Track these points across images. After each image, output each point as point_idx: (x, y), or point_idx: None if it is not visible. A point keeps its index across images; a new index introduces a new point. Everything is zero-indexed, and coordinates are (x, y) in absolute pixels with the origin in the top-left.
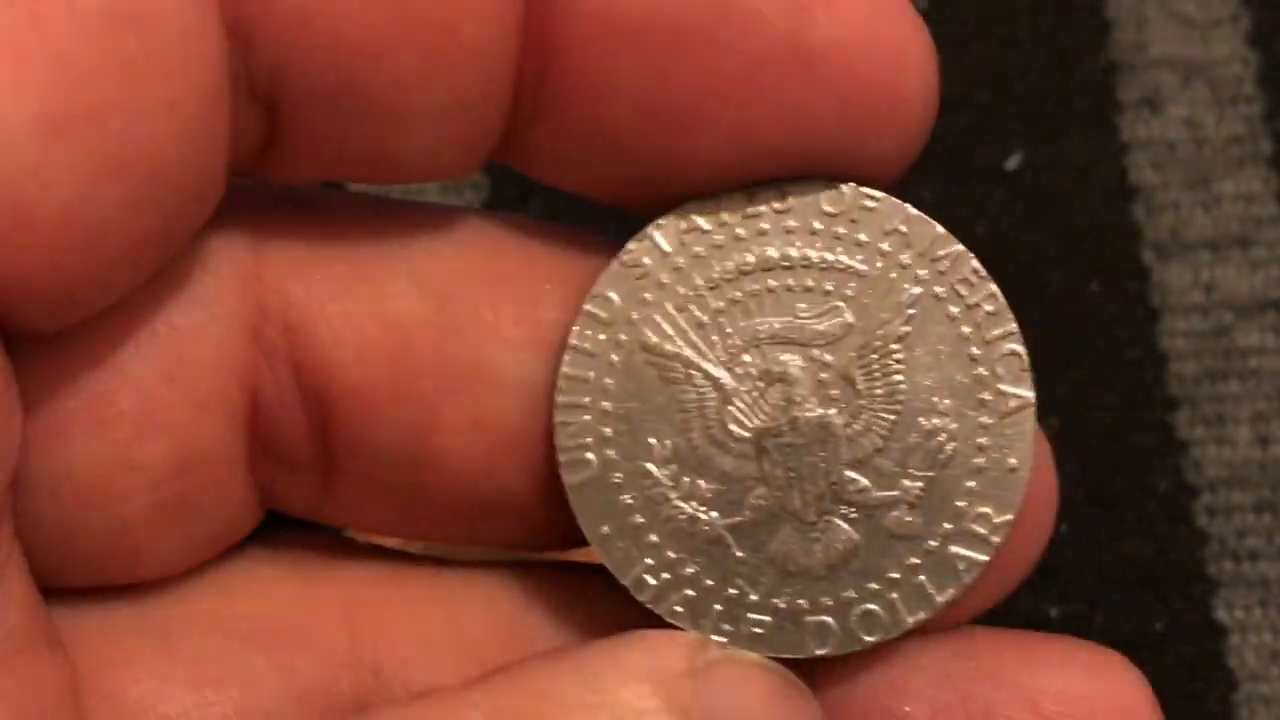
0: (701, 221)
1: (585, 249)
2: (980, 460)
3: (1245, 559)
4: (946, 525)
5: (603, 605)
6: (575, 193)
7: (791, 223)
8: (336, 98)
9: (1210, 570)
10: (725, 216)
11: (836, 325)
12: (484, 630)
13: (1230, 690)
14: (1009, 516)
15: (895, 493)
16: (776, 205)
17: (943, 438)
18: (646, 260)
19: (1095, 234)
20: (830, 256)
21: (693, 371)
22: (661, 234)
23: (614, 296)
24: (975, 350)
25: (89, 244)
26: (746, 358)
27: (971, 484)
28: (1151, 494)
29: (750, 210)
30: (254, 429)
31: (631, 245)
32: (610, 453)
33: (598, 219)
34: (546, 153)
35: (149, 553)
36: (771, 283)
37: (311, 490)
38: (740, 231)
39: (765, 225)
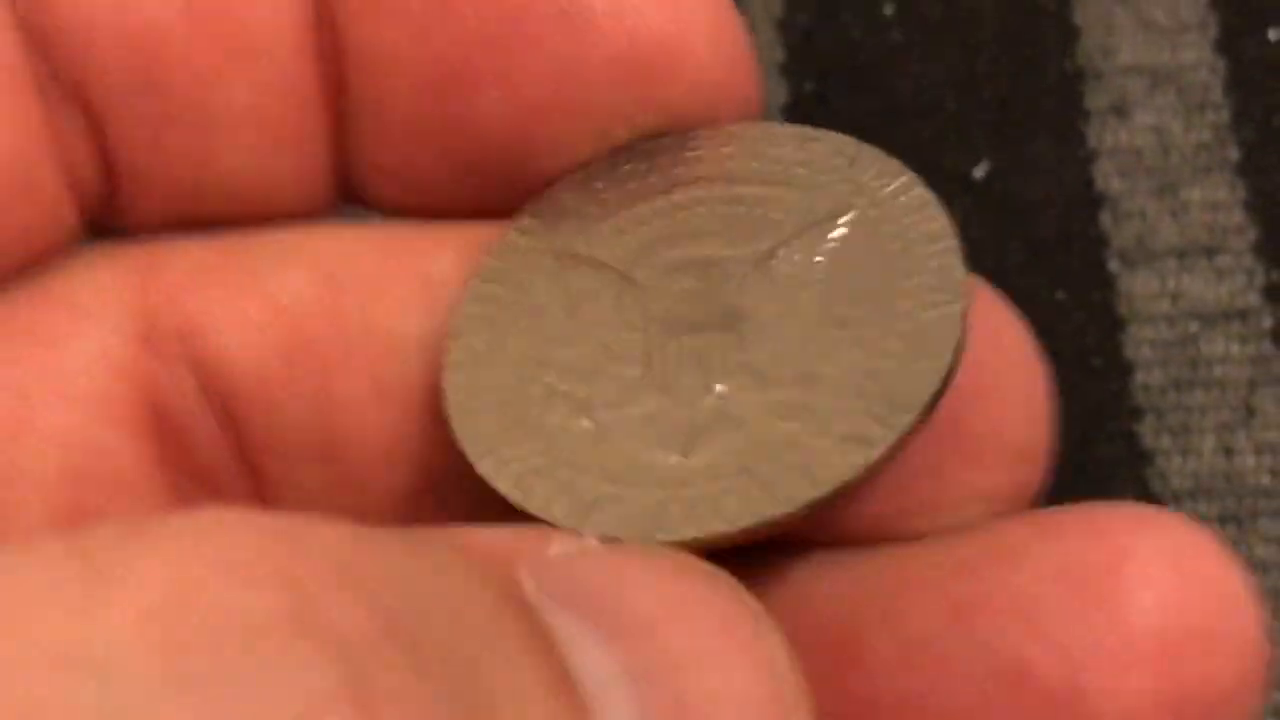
0: (601, 177)
1: (484, 225)
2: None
3: None
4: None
5: None
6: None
7: (695, 154)
8: (144, 96)
9: None
10: (627, 168)
11: (765, 228)
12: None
13: None
14: (915, 404)
15: (787, 370)
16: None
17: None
18: (559, 205)
19: (1062, 242)
20: (761, 180)
21: (598, 270)
22: (563, 188)
23: (531, 222)
24: (903, 256)
25: None
26: (663, 255)
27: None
28: None
29: (647, 161)
30: (163, 440)
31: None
32: (502, 341)
33: None
34: (370, 156)
35: None
36: (699, 205)
37: (241, 496)
38: (650, 173)
39: (677, 166)
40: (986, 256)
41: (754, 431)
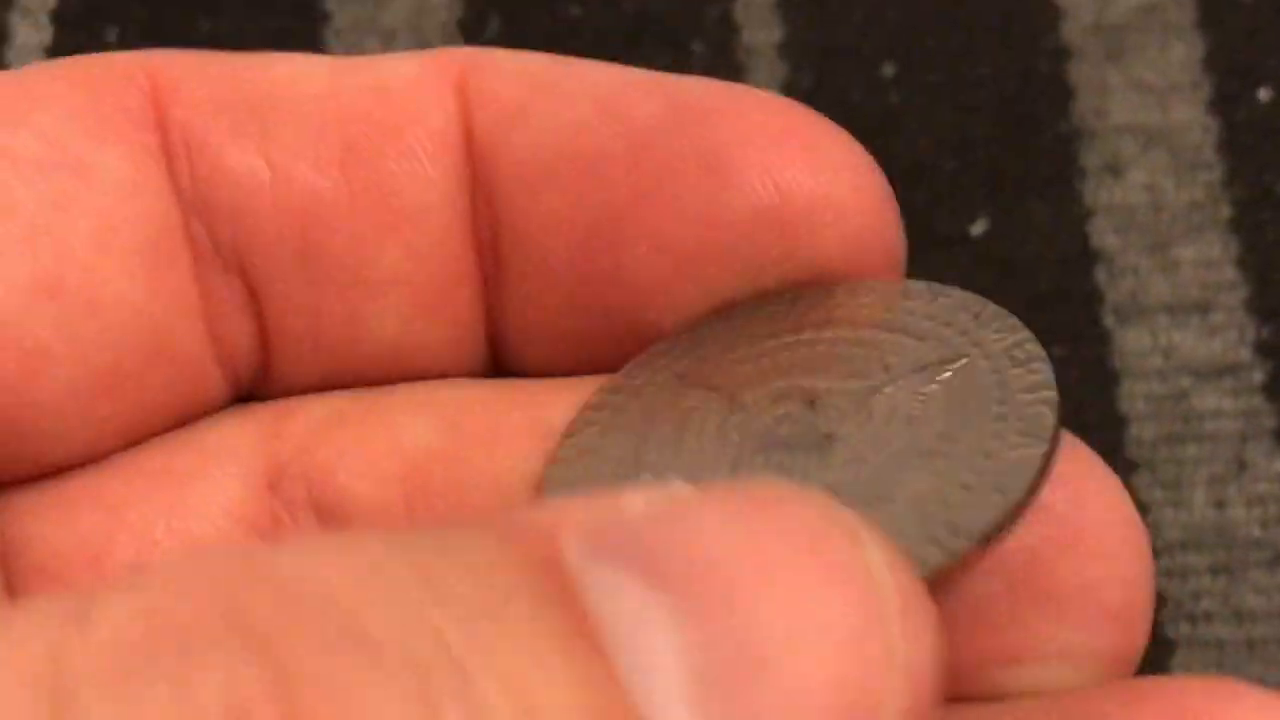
0: (742, 316)
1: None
2: (956, 494)
3: (1201, 621)
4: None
5: None
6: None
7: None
8: (300, 263)
9: (1168, 631)
10: (769, 309)
11: (877, 368)
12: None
13: None
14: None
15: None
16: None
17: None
18: (695, 335)
19: (1058, 298)
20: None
21: (711, 392)
22: (704, 321)
23: (664, 345)
24: (1000, 403)
25: (31, 365)
26: (774, 383)
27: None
28: None
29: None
30: None
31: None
32: (604, 460)
33: None
34: (519, 316)
35: (80, 441)
36: (820, 344)
37: None
38: (788, 316)
39: (813, 311)
40: None
41: None
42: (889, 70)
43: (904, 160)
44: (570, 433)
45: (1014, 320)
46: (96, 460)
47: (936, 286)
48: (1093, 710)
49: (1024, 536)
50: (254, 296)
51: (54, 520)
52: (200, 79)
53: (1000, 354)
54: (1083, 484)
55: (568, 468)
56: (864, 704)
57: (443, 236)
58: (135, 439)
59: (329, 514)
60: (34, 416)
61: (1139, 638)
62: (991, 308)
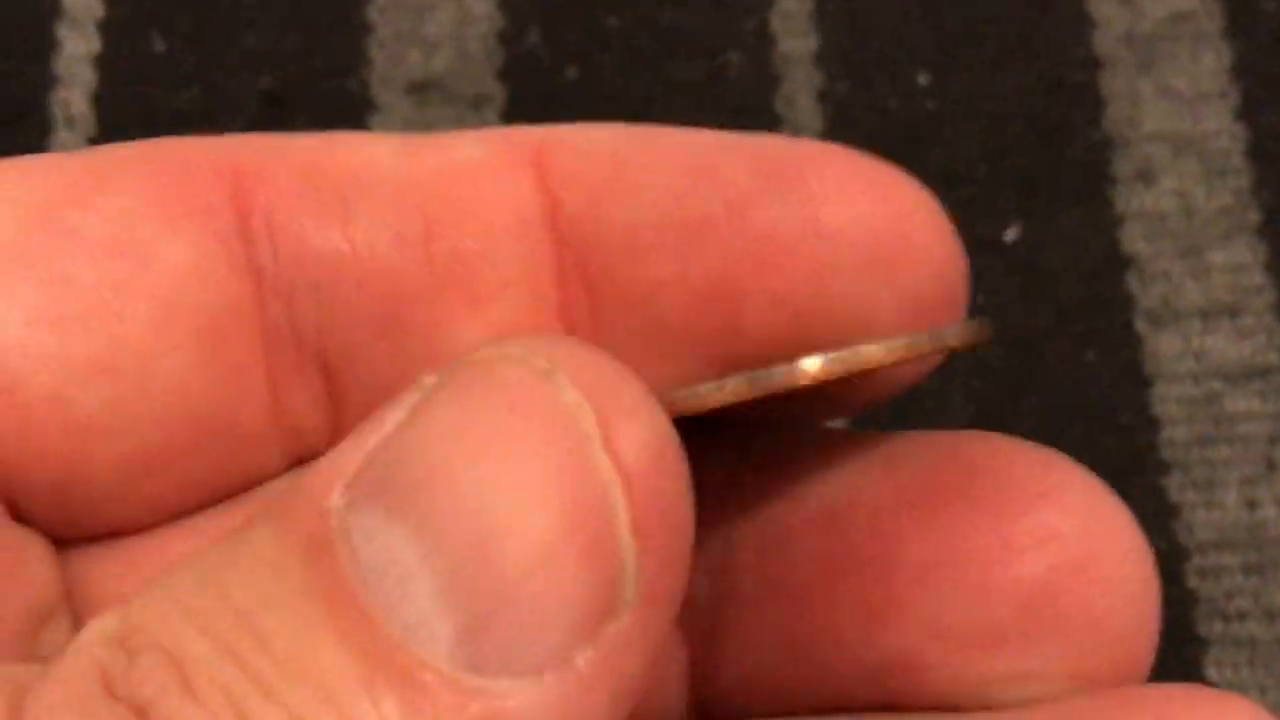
0: None
1: None
2: None
3: (1234, 619)
4: None
5: None
6: None
7: None
8: (380, 340)
9: (1201, 630)
10: None
11: None
12: None
13: None
14: None
15: None
16: None
17: None
18: None
19: (1090, 304)
20: None
21: None
22: None
23: None
24: None
25: (80, 441)
26: None
27: None
28: None
29: None
30: None
31: None
32: None
33: None
34: None
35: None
36: None
37: None
38: None
39: None
40: (1017, 318)
41: None
42: (924, 79)
43: (938, 168)
44: None
45: None
46: (158, 524)
47: None
48: (1088, 714)
49: (1035, 563)
50: (329, 372)
51: (119, 575)
52: (281, 163)
53: None
54: (1092, 514)
55: None
56: (592, 525)
57: (526, 312)
58: (194, 507)
59: None
60: (86, 487)
61: (1143, 663)
62: None
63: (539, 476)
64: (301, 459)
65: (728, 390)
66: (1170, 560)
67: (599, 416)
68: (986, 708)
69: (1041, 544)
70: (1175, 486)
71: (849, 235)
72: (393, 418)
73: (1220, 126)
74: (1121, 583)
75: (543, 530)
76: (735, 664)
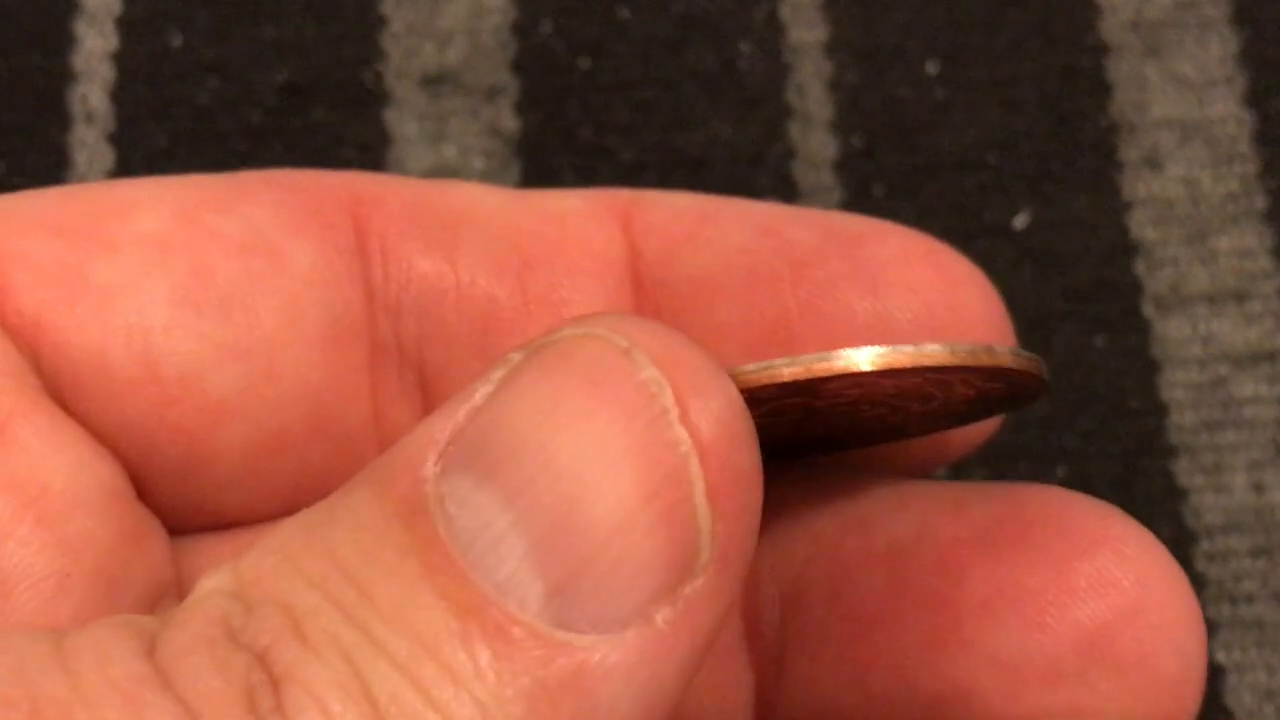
0: None
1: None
2: None
3: (1242, 602)
4: None
5: None
6: None
7: None
8: (475, 359)
9: (1209, 613)
10: None
11: None
12: None
13: None
14: None
15: None
16: None
17: None
18: None
19: (1099, 289)
20: None
21: None
22: None
23: None
24: None
25: (211, 419)
26: None
27: None
28: None
29: None
30: None
31: None
32: None
33: None
34: None
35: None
36: None
37: None
38: None
39: None
40: (1026, 304)
41: None
42: (933, 68)
43: (948, 155)
44: None
45: None
46: (261, 521)
47: None
48: None
49: (1093, 606)
50: (426, 387)
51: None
52: (397, 196)
53: None
54: (1147, 564)
55: None
56: (671, 493)
57: None
58: (298, 504)
59: None
60: (209, 467)
61: (1191, 705)
62: None
63: (620, 447)
64: None
65: (799, 366)
66: (1178, 544)
67: (675, 391)
68: None
69: (1099, 589)
70: (1183, 471)
71: (903, 296)
72: (482, 390)
73: (1227, 112)
74: (1173, 630)
75: (625, 497)
76: (800, 690)
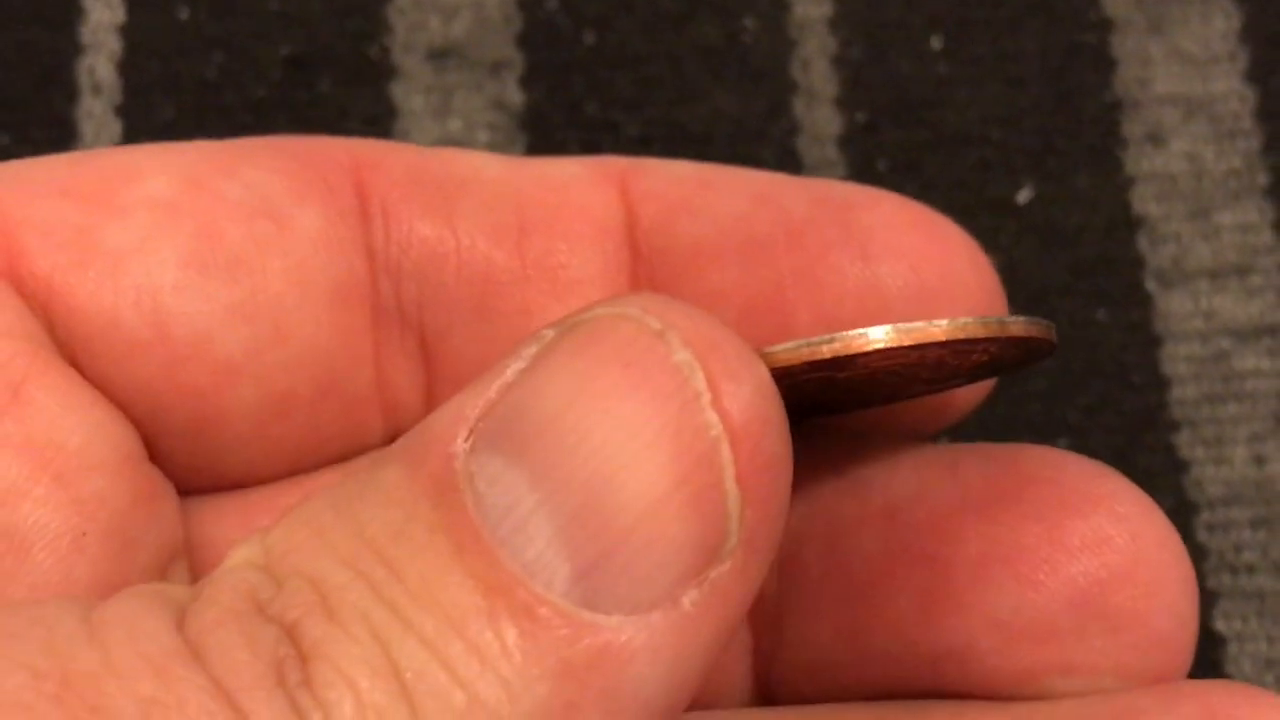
0: None
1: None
2: None
3: (1243, 572)
4: None
5: None
6: None
7: None
8: (474, 323)
9: (1210, 583)
10: None
11: None
12: None
13: None
14: None
15: None
16: None
17: None
18: None
19: (1101, 264)
20: None
21: None
22: None
23: None
24: None
25: (220, 379)
26: None
27: None
28: None
29: None
30: None
31: None
32: None
33: None
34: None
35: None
36: None
37: None
38: None
39: None
40: (1029, 278)
41: None
42: (937, 43)
43: (952, 130)
44: None
45: None
46: (268, 483)
47: None
48: (1129, 709)
49: (1087, 563)
50: (426, 350)
51: (235, 525)
52: (397, 160)
53: None
54: (1140, 522)
55: None
56: (701, 476)
57: None
58: (303, 466)
59: None
60: (218, 428)
61: (1182, 662)
62: None
63: (652, 430)
64: (397, 432)
65: (838, 343)
66: (1179, 515)
67: (708, 375)
68: (1034, 699)
69: (1093, 546)
70: (1185, 443)
71: (893, 262)
72: (514, 367)
73: (1230, 88)
74: (1166, 586)
75: (655, 480)
76: (798, 649)
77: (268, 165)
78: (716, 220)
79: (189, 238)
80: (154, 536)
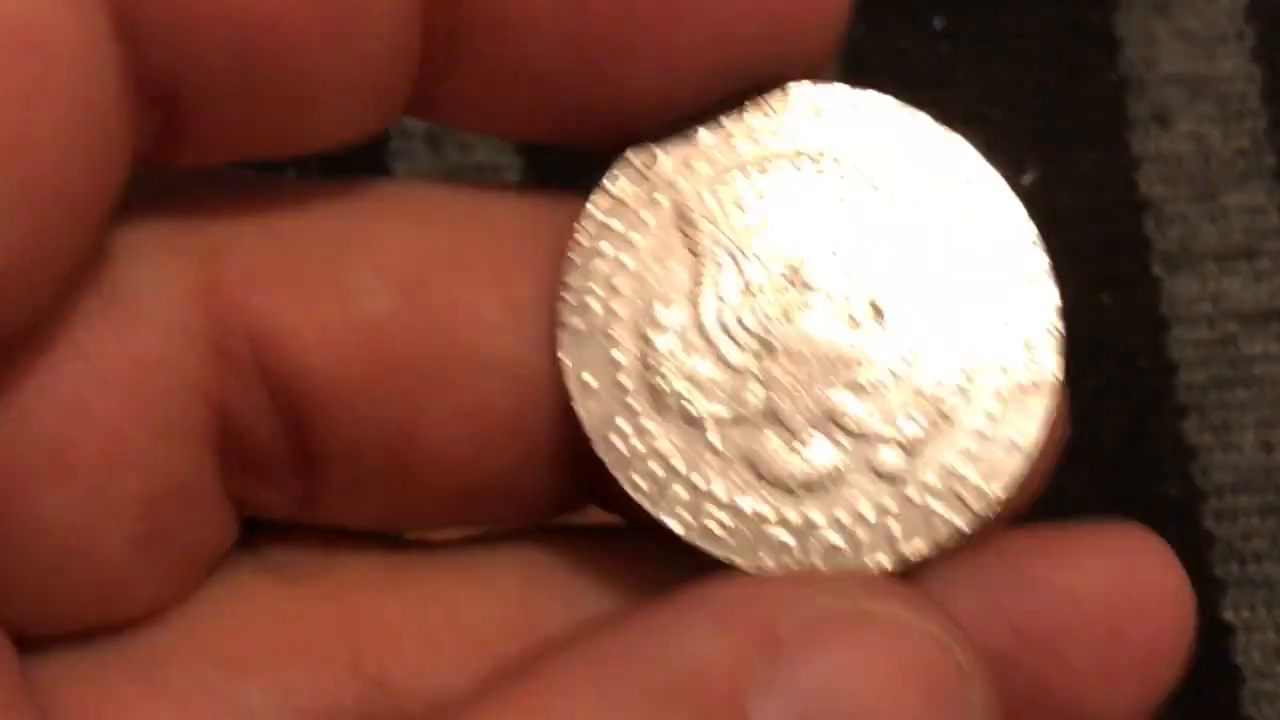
0: (687, 138)
1: (556, 211)
2: (983, 426)
3: (1251, 561)
4: (932, 479)
5: (614, 566)
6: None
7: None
8: (239, 87)
9: (1218, 572)
10: (712, 127)
11: (866, 225)
12: (490, 620)
13: (1236, 686)
14: (998, 492)
15: (889, 430)
16: (760, 113)
17: (952, 392)
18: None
19: (1107, 246)
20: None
21: (718, 249)
22: (659, 148)
23: (660, 155)
24: (1010, 313)
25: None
26: (775, 249)
27: (969, 446)
28: (1162, 499)
29: (735, 121)
30: (226, 446)
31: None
32: (616, 306)
33: None
34: (464, 101)
35: (131, 592)
36: (795, 175)
37: (293, 496)
38: (737, 136)
39: (762, 128)
40: None
41: None
42: (939, 22)
43: (954, 111)
44: (576, 256)
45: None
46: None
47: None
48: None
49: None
50: (183, 121)
51: (13, 424)
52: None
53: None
54: (1145, 563)
55: (583, 323)
56: None
57: (394, 44)
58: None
59: (282, 383)
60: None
61: (1170, 676)
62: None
63: None
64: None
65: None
66: (1187, 503)
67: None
68: None
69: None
70: (1192, 429)
71: None
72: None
73: (1236, 68)
74: (1167, 627)
75: None
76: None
77: None
78: None
79: None
80: None
